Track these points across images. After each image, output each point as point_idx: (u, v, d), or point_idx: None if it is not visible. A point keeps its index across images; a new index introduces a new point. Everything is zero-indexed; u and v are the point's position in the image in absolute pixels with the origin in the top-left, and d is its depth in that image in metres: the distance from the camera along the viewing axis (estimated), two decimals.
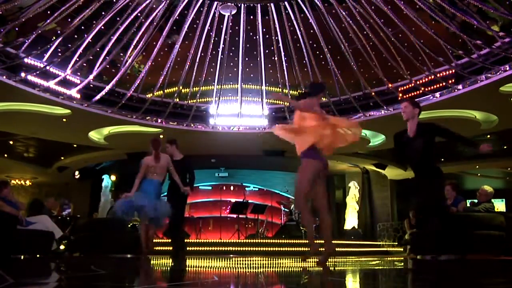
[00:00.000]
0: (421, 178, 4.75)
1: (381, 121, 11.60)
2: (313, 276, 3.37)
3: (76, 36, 11.17)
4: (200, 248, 10.17)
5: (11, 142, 13.86)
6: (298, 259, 7.25)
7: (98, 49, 11.49)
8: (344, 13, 11.49)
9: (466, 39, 10.03)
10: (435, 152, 4.78)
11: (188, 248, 8.38)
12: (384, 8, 10.58)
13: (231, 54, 12.92)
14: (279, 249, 10.56)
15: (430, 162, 4.71)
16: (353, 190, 16.67)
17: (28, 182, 17.08)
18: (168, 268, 4.52)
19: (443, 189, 5.06)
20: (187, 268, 4.35)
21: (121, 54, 12.22)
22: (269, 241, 11.48)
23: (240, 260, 6.55)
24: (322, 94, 4.61)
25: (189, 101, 13.09)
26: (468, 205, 7.27)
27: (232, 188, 16.98)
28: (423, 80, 11.29)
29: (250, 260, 6.65)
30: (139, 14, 11.52)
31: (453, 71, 10.55)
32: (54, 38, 10.60)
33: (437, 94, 10.55)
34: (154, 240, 7.24)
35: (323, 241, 4.08)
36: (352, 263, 6.04)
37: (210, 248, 10.24)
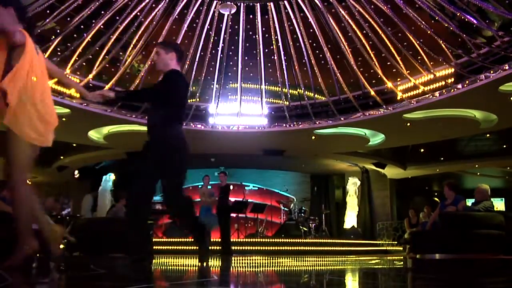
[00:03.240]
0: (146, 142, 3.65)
1: (380, 120, 11.60)
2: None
3: (75, 35, 11.17)
4: None
5: None
6: (298, 258, 7.25)
7: (97, 48, 11.48)
8: (343, 12, 11.49)
9: (465, 38, 10.03)
10: (172, 112, 3.61)
11: (187, 247, 8.48)
12: (384, 7, 10.59)
13: (230, 53, 12.91)
14: (278, 248, 10.57)
15: (158, 122, 3.64)
16: (352, 185, 16.67)
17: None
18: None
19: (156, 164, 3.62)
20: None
21: (121, 53, 12.22)
22: (268, 240, 11.48)
23: (239, 259, 6.55)
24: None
25: (189, 100, 13.08)
26: (469, 204, 7.27)
27: (231, 187, 16.94)
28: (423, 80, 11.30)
29: (250, 259, 6.65)
30: (138, 13, 11.52)
31: (453, 70, 10.56)
32: (53, 37, 10.60)
33: (437, 93, 10.55)
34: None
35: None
36: (352, 262, 6.04)
37: (210, 247, 10.23)
